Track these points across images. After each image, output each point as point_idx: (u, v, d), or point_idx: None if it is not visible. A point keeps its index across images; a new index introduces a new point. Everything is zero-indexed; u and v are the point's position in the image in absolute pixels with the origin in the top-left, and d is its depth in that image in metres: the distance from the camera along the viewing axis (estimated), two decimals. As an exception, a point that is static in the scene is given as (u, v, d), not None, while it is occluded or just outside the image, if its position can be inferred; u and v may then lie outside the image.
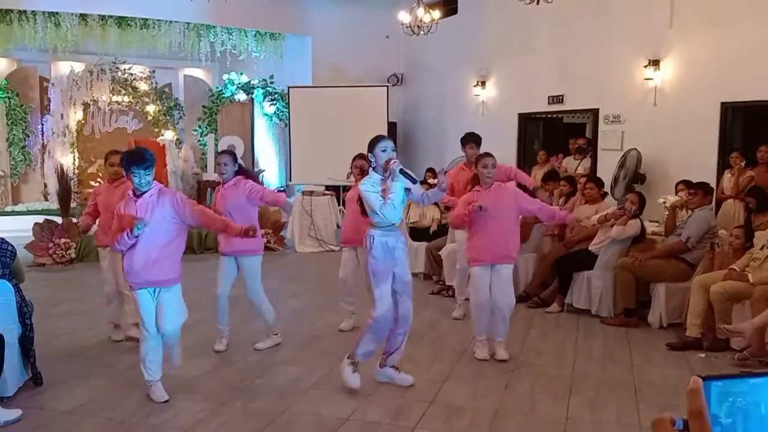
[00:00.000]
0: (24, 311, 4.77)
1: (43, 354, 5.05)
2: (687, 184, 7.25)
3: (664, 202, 7.28)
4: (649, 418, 3.88)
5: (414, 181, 4.45)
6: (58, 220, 9.73)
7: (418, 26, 9.35)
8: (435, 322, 6.61)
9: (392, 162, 4.40)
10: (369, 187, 4.48)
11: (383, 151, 4.47)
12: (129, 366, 5.06)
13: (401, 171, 4.35)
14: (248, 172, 5.85)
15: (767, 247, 5.66)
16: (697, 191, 6.52)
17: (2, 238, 4.75)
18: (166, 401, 4.49)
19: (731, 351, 5.53)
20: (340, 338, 5.96)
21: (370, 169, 4.59)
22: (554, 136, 11.81)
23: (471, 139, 6.69)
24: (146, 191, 4.42)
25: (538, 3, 7.50)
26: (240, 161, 5.77)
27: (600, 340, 6.11)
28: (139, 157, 4.39)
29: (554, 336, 6.21)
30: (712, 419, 0.68)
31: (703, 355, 5.56)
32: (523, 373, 5.19)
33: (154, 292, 4.49)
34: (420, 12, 9.23)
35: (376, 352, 4.77)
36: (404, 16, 9.51)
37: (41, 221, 9.53)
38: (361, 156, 6.14)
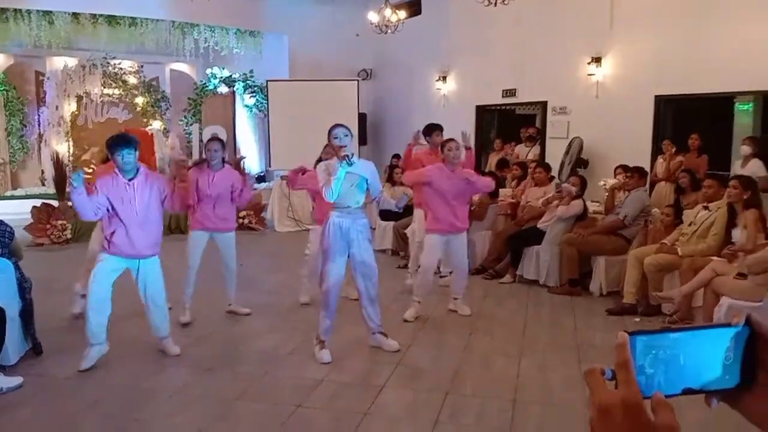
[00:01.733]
0: (24, 287, 4.69)
1: (43, 326, 4.97)
2: (624, 168, 7.33)
3: (604, 185, 7.39)
4: (589, 375, 4.01)
5: (350, 164, 4.35)
6: (55, 203, 9.52)
7: (386, 25, 9.28)
8: (400, 293, 6.63)
9: (341, 149, 4.41)
10: (321, 168, 4.59)
11: (336, 138, 4.50)
12: (122, 335, 5.00)
13: (344, 157, 4.33)
14: (235, 163, 5.80)
15: (694, 224, 5.79)
16: (633, 174, 6.64)
17: (0, 220, 4.65)
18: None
19: (663, 315, 5.67)
20: (314, 309, 5.97)
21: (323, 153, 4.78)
22: (508, 125, 11.87)
23: (437, 128, 6.70)
24: (134, 176, 4.39)
25: (495, 5, 7.48)
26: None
27: (547, 307, 6.21)
28: (123, 139, 4.38)
29: (507, 304, 6.30)
30: (637, 370, 0.71)
31: (638, 319, 5.68)
32: (480, 337, 5.27)
33: (137, 266, 4.50)
34: (387, 12, 9.16)
35: (333, 325, 4.74)
36: (373, 16, 9.42)
37: (39, 204, 9.32)
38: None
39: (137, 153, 4.42)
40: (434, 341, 5.18)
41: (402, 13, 9.55)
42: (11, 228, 4.70)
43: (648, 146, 8.49)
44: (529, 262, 7.00)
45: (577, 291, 6.54)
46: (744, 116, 9.80)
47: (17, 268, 4.67)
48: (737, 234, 5.25)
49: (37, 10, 11.04)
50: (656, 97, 8.43)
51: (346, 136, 4.52)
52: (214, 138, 5.81)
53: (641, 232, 6.36)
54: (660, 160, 8.10)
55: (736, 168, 7.33)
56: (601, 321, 5.73)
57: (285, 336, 5.24)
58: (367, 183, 4.63)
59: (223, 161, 5.50)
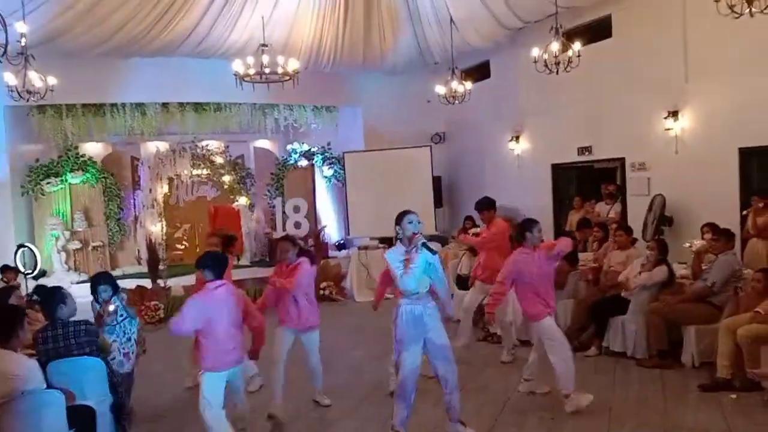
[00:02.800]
0: (113, 381, 4.94)
1: (140, 416, 5.21)
2: (711, 226, 7.00)
3: (690, 246, 7.04)
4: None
5: (433, 253, 4.42)
6: (148, 284, 10.05)
7: (453, 96, 9.42)
8: (481, 370, 6.49)
9: (417, 236, 4.39)
10: (393, 257, 4.46)
11: (410, 223, 4.44)
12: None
13: (423, 244, 4.36)
14: (308, 251, 5.91)
15: (790, 290, 5.42)
16: (719, 238, 6.31)
17: (86, 321, 4.93)
18: None
19: (762, 391, 5.27)
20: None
21: (397, 240, 4.55)
22: (588, 181, 11.62)
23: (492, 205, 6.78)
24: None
25: (557, 73, 7.46)
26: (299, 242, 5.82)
27: (635, 383, 5.92)
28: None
29: (592, 380, 6.00)
30: None
31: (734, 396, 5.31)
32: (562, 421, 5.07)
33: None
34: (454, 84, 9.31)
35: (410, 414, 4.65)
36: (440, 89, 9.60)
37: (134, 287, 9.86)
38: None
39: None
40: (516, 424, 5.02)
41: (468, 84, 9.69)
42: (97, 327, 4.98)
43: (736, 201, 8.07)
44: (615, 333, 6.70)
45: (668, 363, 6.20)
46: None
47: (107, 363, 4.93)
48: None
49: (131, 103, 11.93)
50: (740, 149, 8.06)
51: (420, 222, 4.49)
52: (283, 238, 5.81)
53: (732, 300, 5.99)
54: (749, 215, 7.66)
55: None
56: (694, 398, 5.40)
57: (364, 422, 5.23)
58: (429, 267, 4.49)
59: (299, 254, 5.52)
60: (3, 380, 3.95)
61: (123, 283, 10.51)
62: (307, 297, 5.44)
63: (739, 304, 5.89)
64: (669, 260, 7.93)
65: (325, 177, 14.20)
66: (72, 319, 4.95)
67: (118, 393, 4.94)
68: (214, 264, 4.62)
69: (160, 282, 10.13)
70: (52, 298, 4.97)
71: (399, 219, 4.51)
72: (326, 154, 14.03)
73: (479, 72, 13.02)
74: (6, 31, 4.83)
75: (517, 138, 11.98)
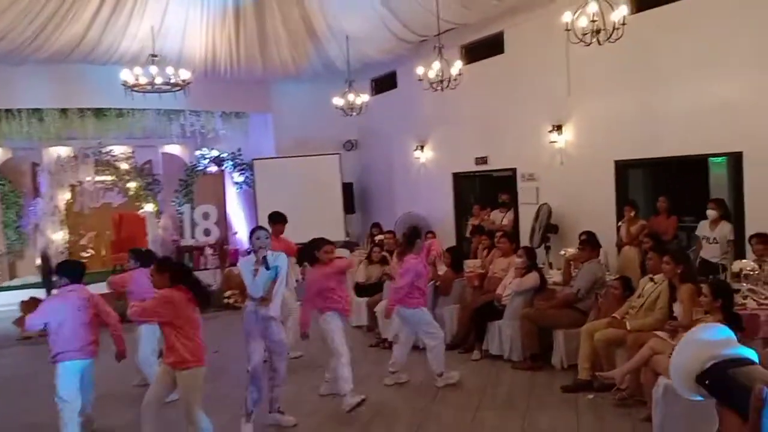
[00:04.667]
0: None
1: (7, 428, 5.14)
2: (587, 235, 7.44)
3: (564, 254, 7.46)
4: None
5: (268, 269, 5.04)
6: (43, 296, 9.75)
7: (351, 108, 9.61)
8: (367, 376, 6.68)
9: (260, 251, 5.07)
10: (246, 266, 5.16)
11: (257, 239, 5.13)
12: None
13: (264, 258, 5.04)
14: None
15: (642, 297, 5.84)
16: (584, 246, 6.72)
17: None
18: None
19: (619, 391, 5.65)
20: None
21: (250, 251, 5.24)
22: (488, 189, 12.05)
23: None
24: None
25: (443, 90, 7.76)
26: None
27: (506, 384, 6.23)
28: None
29: (466, 383, 6.30)
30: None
31: (591, 396, 5.68)
32: (428, 421, 5.31)
33: None
34: (351, 96, 9.50)
35: (262, 398, 5.24)
36: (338, 100, 9.77)
37: (27, 299, 9.57)
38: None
39: None
40: (383, 426, 5.23)
41: (365, 96, 9.88)
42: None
43: (612, 211, 8.58)
44: (493, 337, 7.04)
45: (539, 366, 6.56)
46: (718, 168, 9.86)
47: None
48: (677, 309, 5.30)
49: (27, 109, 11.56)
50: (616, 162, 8.58)
51: (267, 238, 5.18)
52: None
53: (594, 306, 6.41)
54: (622, 224, 8.17)
55: (703, 230, 7.35)
56: (555, 399, 5.74)
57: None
58: (276, 272, 5.11)
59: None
60: None
61: (20, 294, 10.29)
62: None
63: (600, 310, 6.31)
64: (551, 266, 8.41)
65: (236, 183, 14.14)
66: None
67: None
68: (70, 271, 5.20)
69: (55, 292, 9.83)
70: None
71: (250, 234, 5.28)
72: (237, 160, 13.97)
73: (388, 82, 13.29)
74: None
75: (422, 147, 12.30)
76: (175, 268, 4.61)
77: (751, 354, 1.04)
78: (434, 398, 5.93)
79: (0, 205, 12.24)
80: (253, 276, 5.06)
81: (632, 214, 8.02)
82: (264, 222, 12.73)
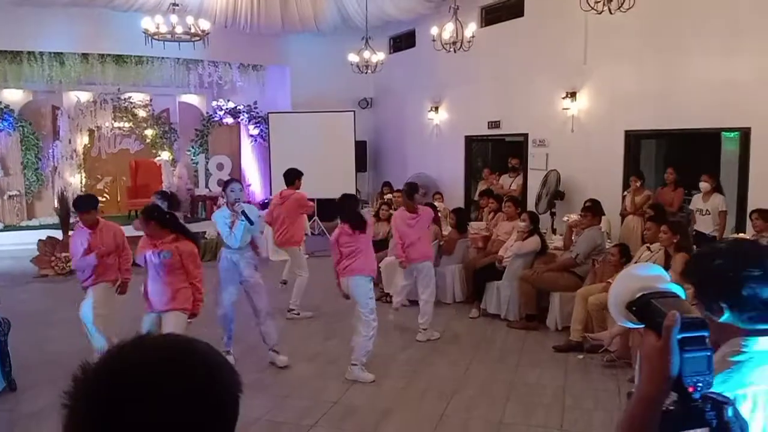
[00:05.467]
0: (-2, 330, 5.17)
1: (27, 361, 5.45)
2: (591, 202, 7.58)
3: (567, 220, 7.62)
4: (513, 416, 4.28)
5: (251, 222, 5.40)
6: (60, 235, 10.09)
7: (366, 66, 9.67)
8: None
9: (236, 205, 5.36)
10: (221, 219, 5.46)
11: (232, 191, 5.45)
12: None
13: (243, 212, 5.32)
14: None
15: (638, 263, 6.01)
16: (587, 213, 6.86)
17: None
18: None
19: (607, 353, 5.88)
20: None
21: (224, 202, 5.61)
22: (499, 154, 12.16)
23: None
24: None
25: (455, 51, 7.81)
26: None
27: (500, 342, 6.48)
28: None
29: (461, 340, 6.57)
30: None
31: (581, 356, 5.91)
32: (421, 373, 5.57)
33: None
34: (366, 54, 9.55)
35: (232, 337, 5.69)
36: (353, 57, 9.83)
37: (44, 238, 9.91)
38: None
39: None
40: (378, 376, 5.49)
41: (381, 54, 9.92)
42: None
43: (620, 181, 8.69)
44: (491, 297, 7.27)
45: (534, 326, 6.79)
46: (731, 144, 9.89)
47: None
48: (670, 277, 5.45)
49: (49, 52, 11.74)
50: (626, 132, 8.64)
51: (241, 190, 5.57)
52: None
53: (591, 270, 6.58)
54: (627, 194, 8.29)
55: (696, 203, 7.50)
56: (546, 358, 5.97)
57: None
58: (255, 225, 5.53)
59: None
60: None
61: (38, 234, 10.64)
62: None
63: (596, 275, 6.49)
64: (555, 232, 8.58)
65: (251, 136, 14.32)
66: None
67: (2, 340, 5.18)
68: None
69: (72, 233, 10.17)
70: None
71: (224, 186, 5.63)
72: (252, 112, 14.11)
73: (407, 41, 13.30)
74: None
75: (437, 108, 12.37)
76: (162, 217, 4.81)
77: (677, 289, 1.23)
78: (431, 350, 6.18)
79: (20, 147, 12.50)
80: (229, 228, 5.37)
81: (638, 184, 8.13)
82: (280, 175, 13.11)
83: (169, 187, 13.46)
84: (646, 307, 1.16)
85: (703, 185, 7.32)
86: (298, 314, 7.36)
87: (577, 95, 9.26)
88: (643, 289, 1.19)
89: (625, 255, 6.27)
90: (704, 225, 7.25)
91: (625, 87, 8.57)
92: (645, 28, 8.00)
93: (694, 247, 6.17)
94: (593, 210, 6.91)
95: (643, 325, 1.17)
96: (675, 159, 9.37)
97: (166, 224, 4.74)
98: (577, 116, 9.30)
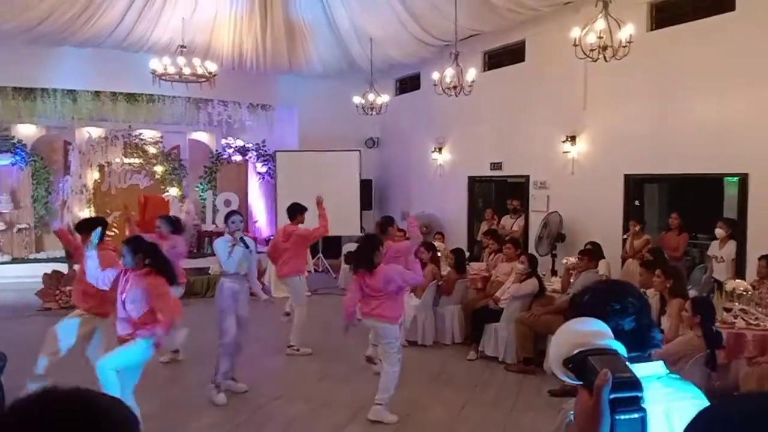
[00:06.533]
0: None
1: (21, 394, 5.43)
2: (591, 245, 7.61)
3: (566, 263, 7.61)
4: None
5: (248, 247, 5.82)
6: (65, 269, 10.18)
7: (371, 107, 9.83)
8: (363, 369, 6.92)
9: (236, 233, 5.76)
10: (222, 244, 5.82)
11: (233, 222, 5.85)
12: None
13: (241, 239, 5.76)
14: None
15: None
16: (584, 256, 6.87)
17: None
18: None
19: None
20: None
21: (226, 231, 5.96)
22: (502, 194, 12.21)
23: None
24: None
25: (457, 95, 7.95)
26: None
27: (496, 385, 6.42)
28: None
29: (459, 380, 6.52)
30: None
31: (576, 401, 5.83)
32: (414, 416, 5.52)
33: None
34: (371, 96, 9.72)
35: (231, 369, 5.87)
36: (358, 99, 10.00)
37: (49, 271, 10.00)
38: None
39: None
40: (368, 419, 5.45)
41: (386, 97, 10.10)
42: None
43: (620, 224, 8.70)
44: (489, 339, 7.22)
45: (531, 369, 6.72)
46: (733, 189, 9.90)
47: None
48: (664, 322, 5.43)
49: (62, 89, 12.02)
50: (626, 175, 8.69)
51: (241, 222, 5.94)
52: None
53: (587, 314, 6.53)
54: (627, 238, 8.28)
55: (713, 249, 7.49)
56: (541, 402, 5.91)
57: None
58: (251, 253, 5.91)
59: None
60: None
61: (46, 267, 10.73)
62: None
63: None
64: (556, 274, 8.57)
65: (259, 173, 14.48)
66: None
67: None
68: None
69: (76, 268, 10.25)
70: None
71: (226, 218, 6.00)
72: (260, 151, 14.30)
73: (412, 83, 13.51)
74: None
75: (440, 149, 12.50)
76: (146, 248, 4.77)
77: (617, 346, 1.23)
78: (425, 392, 6.14)
79: (31, 181, 12.69)
80: (228, 254, 5.69)
81: (637, 228, 8.13)
82: (284, 212, 13.23)
83: (176, 221, 13.60)
84: (582, 364, 1.15)
85: (719, 231, 7.28)
86: (298, 350, 7.37)
87: (577, 139, 9.34)
88: (581, 345, 1.18)
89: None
90: (720, 272, 7.19)
91: (624, 131, 8.65)
92: (643, 73, 8.11)
93: (691, 291, 6.17)
94: (590, 253, 6.92)
95: (581, 382, 1.16)
96: (678, 203, 9.38)
97: (146, 259, 4.68)
98: (577, 159, 9.37)
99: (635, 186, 8.80)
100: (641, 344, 1.59)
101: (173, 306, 4.76)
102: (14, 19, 9.85)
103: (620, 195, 8.76)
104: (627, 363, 1.16)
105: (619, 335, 1.41)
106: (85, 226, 5.61)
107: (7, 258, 12.11)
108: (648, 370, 1.51)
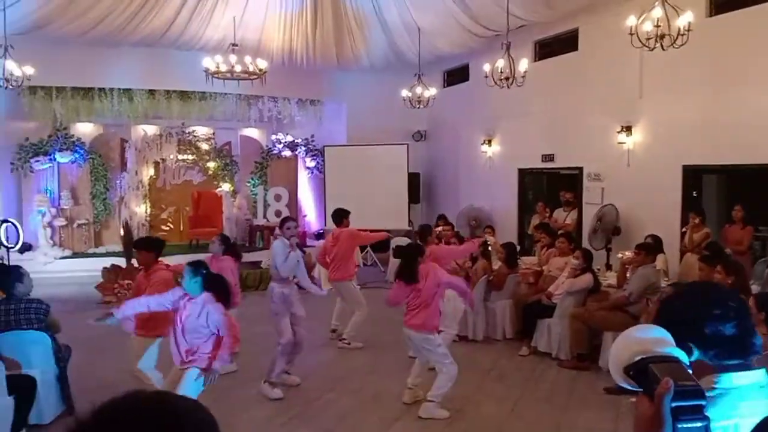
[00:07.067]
0: (59, 356, 5.39)
1: (85, 385, 5.65)
2: (652, 238, 7.43)
3: (621, 257, 7.42)
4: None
5: (303, 252, 6.17)
6: (123, 263, 10.49)
7: (419, 100, 9.76)
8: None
9: (291, 239, 5.92)
10: (280, 249, 5.91)
11: (288, 228, 5.99)
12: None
13: (297, 244, 5.98)
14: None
15: (694, 304, 5.77)
16: (640, 251, 6.67)
17: (38, 299, 5.37)
18: None
19: (661, 396, 5.64)
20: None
21: (281, 237, 6.06)
22: (553, 187, 11.97)
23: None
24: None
25: (509, 87, 7.81)
26: None
27: (549, 381, 6.32)
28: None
29: (509, 378, 6.43)
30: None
31: (633, 399, 5.66)
32: (466, 411, 5.48)
33: None
34: (419, 89, 9.65)
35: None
36: (405, 92, 9.94)
37: (108, 266, 10.31)
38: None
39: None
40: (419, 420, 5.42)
41: (433, 90, 10.01)
42: (47, 305, 5.40)
43: (678, 216, 8.42)
44: (541, 335, 7.11)
45: (585, 365, 6.59)
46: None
47: (54, 339, 5.38)
48: (727, 319, 5.23)
49: (119, 88, 12.37)
50: (684, 167, 8.39)
51: (296, 227, 6.16)
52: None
53: (644, 310, 6.37)
54: (686, 231, 8.01)
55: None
56: (596, 399, 5.78)
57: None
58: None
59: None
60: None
61: (104, 261, 11.10)
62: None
63: (650, 314, 6.27)
64: (611, 268, 8.36)
65: (308, 168, 14.60)
66: (28, 296, 5.41)
67: (61, 366, 5.40)
68: None
69: (134, 262, 10.55)
70: (8, 276, 5.41)
71: (282, 223, 6.15)
72: (309, 145, 14.41)
73: (460, 74, 13.37)
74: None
75: (489, 141, 12.34)
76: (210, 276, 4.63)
77: (678, 353, 1.20)
78: (477, 388, 6.08)
79: (89, 178, 13.11)
80: (284, 259, 5.84)
81: (697, 221, 7.84)
82: (335, 207, 13.30)
83: (229, 218, 13.86)
84: (643, 372, 1.13)
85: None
86: (349, 344, 7.45)
87: (633, 129, 9.07)
88: (642, 353, 1.17)
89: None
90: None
91: (683, 120, 8.35)
92: (703, 60, 7.80)
93: (754, 287, 5.92)
94: (647, 248, 6.71)
95: (641, 389, 1.14)
96: (741, 195, 9.00)
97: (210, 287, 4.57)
98: (633, 150, 9.10)
99: (693, 177, 8.49)
100: (743, 351, 1.48)
101: (234, 335, 4.63)
102: (70, 24, 10.17)
103: (678, 186, 8.46)
104: (689, 371, 1.15)
105: (719, 342, 1.40)
106: (144, 245, 5.68)
107: (67, 252, 12.54)
108: (749, 379, 1.44)
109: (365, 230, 12.60)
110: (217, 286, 4.55)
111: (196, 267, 4.56)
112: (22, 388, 4.87)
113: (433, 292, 5.34)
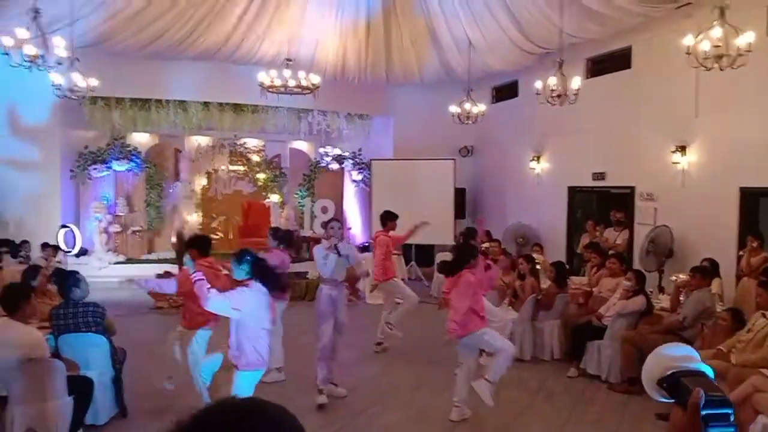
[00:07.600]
0: (115, 358, 5.54)
1: (137, 389, 5.79)
2: (708, 261, 7.24)
3: (675, 280, 7.24)
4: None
5: (340, 255, 5.84)
6: (175, 270, 10.70)
7: (467, 116, 9.75)
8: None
9: (332, 239, 5.83)
10: (320, 251, 5.90)
11: (331, 228, 5.92)
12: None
13: (335, 246, 5.82)
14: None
15: (752, 331, 5.59)
16: (695, 275, 6.49)
17: (95, 302, 5.53)
18: None
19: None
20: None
21: (323, 237, 6.08)
22: (603, 206, 11.77)
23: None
24: None
25: (561, 104, 7.74)
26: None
27: (598, 405, 6.18)
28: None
29: (559, 398, 6.33)
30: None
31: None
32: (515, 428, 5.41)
33: None
34: (467, 105, 9.65)
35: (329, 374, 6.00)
36: (454, 108, 9.95)
37: (161, 272, 10.55)
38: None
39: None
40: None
41: (482, 106, 9.99)
42: (103, 308, 5.55)
43: (734, 239, 8.17)
44: (591, 356, 6.96)
45: (636, 390, 6.39)
46: None
47: (110, 342, 5.53)
48: (788, 347, 5.05)
49: (174, 100, 12.73)
50: (741, 188, 8.16)
51: (339, 229, 6.00)
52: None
53: (699, 335, 6.19)
54: (743, 254, 7.77)
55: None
56: (647, 425, 5.63)
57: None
58: (348, 260, 5.98)
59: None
60: (11, 347, 4.56)
61: (157, 267, 11.37)
62: None
63: (704, 340, 6.09)
64: (663, 291, 8.17)
65: (354, 181, 14.72)
66: (84, 300, 5.58)
67: (117, 369, 5.55)
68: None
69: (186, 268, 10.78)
70: (66, 280, 5.60)
71: (326, 224, 6.09)
72: (357, 159, 14.53)
73: (508, 91, 13.32)
74: (46, 43, 5.44)
75: (538, 158, 12.23)
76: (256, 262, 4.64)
77: (704, 368, 1.29)
78: (524, 410, 5.99)
79: (145, 186, 13.49)
80: (324, 260, 5.80)
81: (755, 244, 7.59)
82: (378, 220, 13.39)
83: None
84: (676, 384, 1.24)
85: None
86: (391, 329, 7.79)
87: (688, 149, 8.86)
88: (673, 368, 1.27)
89: (738, 320, 5.87)
90: None
91: (741, 141, 8.12)
92: (762, 79, 7.58)
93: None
94: (703, 271, 6.53)
95: (673, 400, 1.24)
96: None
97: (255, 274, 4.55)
98: (687, 170, 8.89)
99: (751, 199, 8.24)
100: None
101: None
102: (131, 38, 10.54)
103: (735, 209, 8.22)
104: (715, 383, 1.26)
105: None
106: (189, 243, 5.86)
107: (121, 258, 12.89)
108: None
109: (410, 245, 12.77)
110: (264, 274, 4.53)
111: (241, 254, 4.61)
112: (80, 389, 5.02)
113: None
